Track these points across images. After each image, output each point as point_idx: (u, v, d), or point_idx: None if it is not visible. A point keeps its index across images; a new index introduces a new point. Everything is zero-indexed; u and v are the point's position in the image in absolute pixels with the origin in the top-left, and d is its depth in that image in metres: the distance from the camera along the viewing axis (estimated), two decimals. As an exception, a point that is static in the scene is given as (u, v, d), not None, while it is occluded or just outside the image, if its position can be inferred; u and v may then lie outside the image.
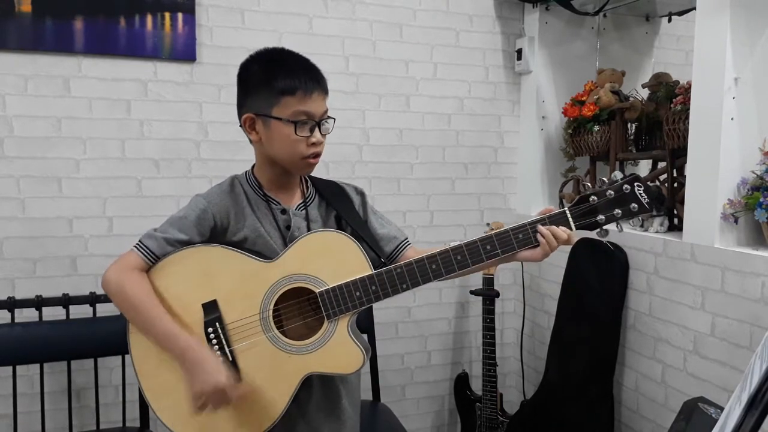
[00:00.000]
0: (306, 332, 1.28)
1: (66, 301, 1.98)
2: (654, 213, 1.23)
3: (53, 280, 2.10)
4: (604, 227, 1.23)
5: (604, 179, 1.23)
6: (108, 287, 1.26)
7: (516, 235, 1.24)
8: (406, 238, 1.44)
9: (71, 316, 1.99)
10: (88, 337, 1.93)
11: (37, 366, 1.97)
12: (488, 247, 1.24)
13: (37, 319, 1.97)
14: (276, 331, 1.26)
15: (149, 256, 1.25)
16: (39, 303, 1.96)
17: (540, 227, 1.23)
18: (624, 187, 1.21)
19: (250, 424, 1.26)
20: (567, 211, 1.24)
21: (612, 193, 1.22)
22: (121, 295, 1.24)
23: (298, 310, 1.30)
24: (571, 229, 1.23)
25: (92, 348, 1.93)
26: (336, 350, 1.25)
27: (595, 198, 1.22)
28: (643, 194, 1.21)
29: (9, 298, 1.96)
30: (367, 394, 2.28)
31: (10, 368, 1.92)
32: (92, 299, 2.00)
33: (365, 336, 2.23)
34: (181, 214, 1.29)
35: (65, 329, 1.93)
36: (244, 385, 1.24)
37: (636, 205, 1.22)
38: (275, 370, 1.26)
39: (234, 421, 1.26)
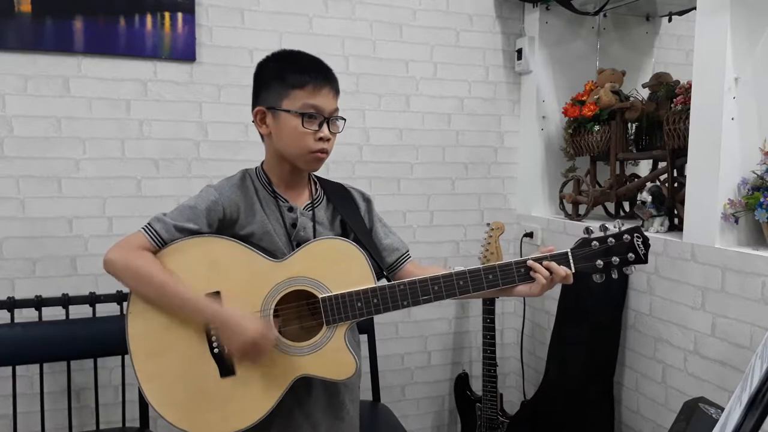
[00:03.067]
0: (302, 334, 1.29)
1: (66, 301, 1.98)
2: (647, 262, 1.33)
3: (53, 280, 2.10)
4: (602, 272, 1.29)
5: (607, 225, 1.30)
6: (112, 266, 1.24)
7: (518, 268, 1.28)
8: (408, 251, 1.46)
9: (71, 316, 1.99)
10: (87, 337, 1.92)
11: (36, 366, 1.97)
12: (490, 276, 1.28)
13: (37, 319, 1.97)
14: (275, 330, 1.27)
15: (156, 240, 1.25)
16: (39, 303, 1.96)
17: (536, 264, 1.27)
18: (624, 237, 1.29)
19: (238, 416, 1.27)
20: (569, 253, 1.29)
21: (613, 241, 1.29)
22: (129, 269, 1.23)
23: (298, 312, 1.31)
24: (570, 269, 1.29)
25: (92, 348, 1.93)
26: (331, 356, 1.27)
27: (597, 243, 1.29)
28: (641, 246, 1.29)
29: (9, 298, 1.96)
30: (367, 394, 2.28)
31: (9, 368, 1.92)
32: (92, 299, 2.00)
33: (365, 336, 2.24)
34: (192, 203, 1.29)
35: (65, 329, 1.93)
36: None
37: (633, 255, 1.28)
38: (269, 368, 1.27)
39: (222, 411, 1.26)
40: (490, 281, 1.28)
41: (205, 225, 1.28)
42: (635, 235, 1.28)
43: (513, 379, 2.75)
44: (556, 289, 2.29)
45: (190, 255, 1.27)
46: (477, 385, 2.49)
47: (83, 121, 2.10)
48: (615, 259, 1.28)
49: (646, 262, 1.29)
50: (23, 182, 2.06)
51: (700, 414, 1.25)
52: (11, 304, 1.94)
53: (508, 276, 1.28)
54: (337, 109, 1.32)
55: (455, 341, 2.67)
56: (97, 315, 2.01)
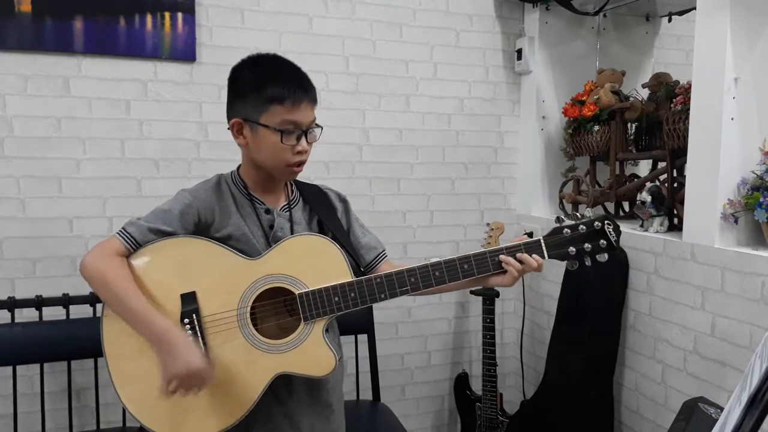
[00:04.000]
0: (279, 332, 1.30)
1: (66, 301, 1.98)
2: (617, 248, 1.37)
3: (53, 280, 2.10)
4: (575, 260, 1.32)
5: (578, 214, 1.34)
6: (86, 272, 1.25)
7: (493, 258, 1.31)
8: (384, 250, 1.48)
9: (71, 316, 1.99)
10: (88, 337, 1.90)
11: (37, 366, 1.97)
12: (465, 266, 1.30)
13: (37, 319, 1.97)
14: (252, 328, 1.27)
15: (131, 243, 1.26)
16: (39, 303, 1.96)
17: (507, 258, 1.30)
18: (595, 224, 1.31)
19: (217, 417, 1.26)
20: (542, 240, 1.32)
21: (584, 228, 1.31)
22: (100, 279, 1.24)
23: (275, 310, 1.31)
24: (543, 257, 1.32)
25: (92, 348, 1.89)
26: (309, 352, 1.27)
27: (569, 231, 1.32)
28: (612, 232, 1.31)
29: (9, 298, 1.96)
30: (367, 394, 2.28)
31: (10, 368, 1.92)
32: (92, 299, 2.00)
33: (365, 336, 2.24)
34: (166, 207, 1.30)
35: (65, 329, 1.93)
36: (216, 370, 1.24)
37: (604, 242, 1.31)
38: (247, 367, 1.27)
39: (201, 413, 1.26)
40: (465, 271, 1.30)
41: (179, 228, 1.28)
42: (606, 222, 1.31)
43: (513, 379, 2.75)
44: (557, 289, 2.29)
45: (166, 254, 1.27)
46: (477, 385, 2.49)
47: (83, 121, 2.10)
48: (587, 246, 1.31)
49: (616, 248, 1.32)
50: (23, 182, 2.06)
51: (699, 414, 1.25)
52: (12, 304, 1.94)
53: (483, 265, 1.31)
54: (314, 119, 1.31)
55: (455, 341, 2.67)
56: (98, 315, 2.00)
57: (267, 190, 1.37)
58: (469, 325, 2.68)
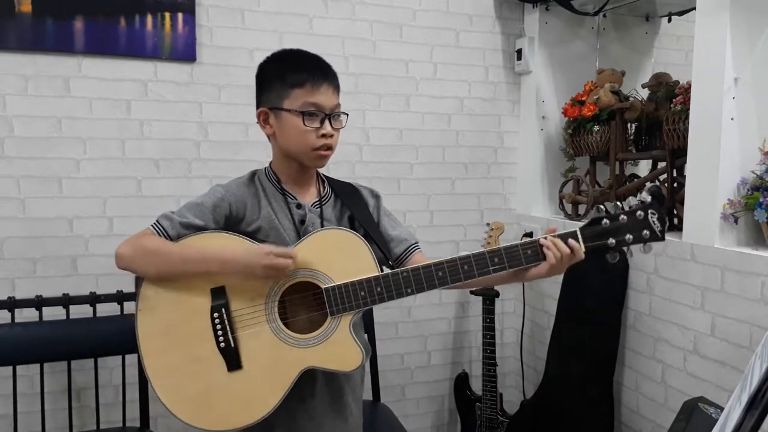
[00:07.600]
0: (308, 326, 1.30)
1: (66, 301, 1.98)
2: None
3: (53, 280, 2.10)
4: (615, 251, 1.22)
5: (619, 204, 1.23)
6: (122, 258, 1.27)
7: (525, 250, 1.23)
8: (416, 242, 1.46)
9: (71, 316, 1.99)
10: (88, 337, 1.93)
11: (37, 366, 1.97)
12: (496, 259, 1.23)
13: (37, 319, 1.97)
14: (279, 323, 1.28)
15: (164, 236, 1.28)
16: (39, 303, 1.96)
17: (546, 241, 1.21)
18: (638, 213, 1.21)
19: (245, 411, 1.27)
20: (578, 231, 1.23)
21: (625, 218, 1.21)
22: (142, 254, 1.26)
23: (303, 304, 1.31)
24: (580, 248, 1.23)
25: (92, 348, 1.93)
26: (336, 347, 1.27)
27: (608, 221, 1.21)
28: (657, 222, 1.20)
29: (9, 298, 1.96)
30: (367, 394, 2.28)
31: (10, 368, 1.92)
32: (92, 299, 2.00)
33: (365, 335, 2.24)
34: (199, 200, 1.32)
35: (65, 329, 1.93)
36: (245, 364, 1.26)
37: (648, 232, 1.20)
38: (275, 361, 1.27)
39: (229, 407, 1.27)
40: (495, 264, 1.22)
41: (211, 222, 1.30)
42: (650, 211, 1.20)
43: (513, 379, 2.75)
44: (557, 289, 2.29)
45: None
46: (477, 385, 2.49)
47: (84, 121, 2.10)
48: (629, 237, 1.20)
49: (662, 239, 1.21)
50: (24, 182, 2.06)
51: (699, 414, 1.26)
52: (12, 304, 1.94)
53: (515, 258, 1.22)
54: (338, 105, 1.34)
55: (455, 341, 2.67)
56: (98, 315, 2.01)
57: (299, 184, 1.38)
58: (469, 325, 2.68)
